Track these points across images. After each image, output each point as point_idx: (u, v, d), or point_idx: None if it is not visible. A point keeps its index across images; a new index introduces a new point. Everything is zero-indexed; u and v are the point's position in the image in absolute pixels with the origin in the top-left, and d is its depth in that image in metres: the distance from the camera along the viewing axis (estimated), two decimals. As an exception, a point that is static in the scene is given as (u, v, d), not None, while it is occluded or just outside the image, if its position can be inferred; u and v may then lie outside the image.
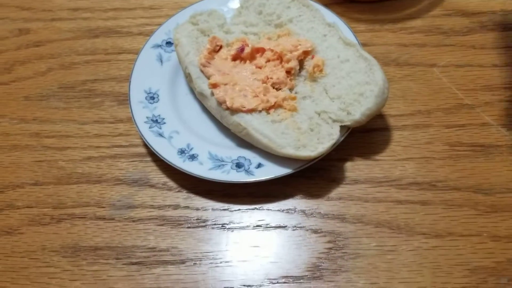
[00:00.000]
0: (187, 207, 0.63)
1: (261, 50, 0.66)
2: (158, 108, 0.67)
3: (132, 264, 0.59)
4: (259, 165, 0.61)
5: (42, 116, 0.72)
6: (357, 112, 0.60)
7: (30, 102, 0.73)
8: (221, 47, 0.67)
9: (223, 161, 0.62)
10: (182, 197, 0.63)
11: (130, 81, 0.68)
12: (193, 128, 0.66)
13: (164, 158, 0.62)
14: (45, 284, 0.58)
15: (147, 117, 0.66)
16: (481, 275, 0.55)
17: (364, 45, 0.71)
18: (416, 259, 0.57)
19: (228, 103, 0.61)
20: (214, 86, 0.63)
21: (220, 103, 0.62)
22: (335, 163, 0.63)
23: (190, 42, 0.67)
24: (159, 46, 0.72)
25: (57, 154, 0.68)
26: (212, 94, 0.63)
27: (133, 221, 0.62)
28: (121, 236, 0.61)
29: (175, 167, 0.62)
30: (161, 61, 0.71)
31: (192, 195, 0.63)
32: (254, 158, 0.62)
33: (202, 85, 0.64)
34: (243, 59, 0.66)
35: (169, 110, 0.67)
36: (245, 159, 0.62)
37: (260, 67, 0.65)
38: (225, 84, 0.63)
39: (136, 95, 0.68)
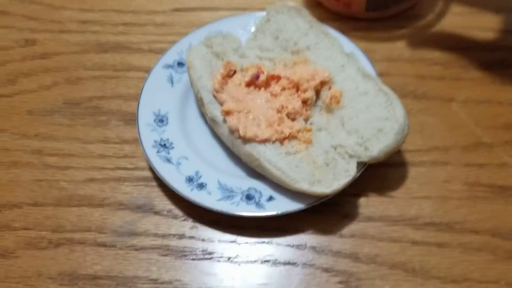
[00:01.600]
0: (192, 238, 0.60)
1: (277, 78, 0.64)
2: (167, 131, 0.64)
3: (133, 295, 0.57)
4: (270, 198, 0.59)
5: (45, 133, 0.69)
6: (375, 149, 0.57)
7: (33, 116, 0.70)
8: (235, 72, 0.65)
9: (232, 191, 0.59)
10: (188, 226, 0.61)
11: (139, 102, 0.66)
12: (202, 154, 0.64)
13: (172, 186, 0.60)
14: (41, 314, 0.56)
15: (155, 140, 0.63)
16: (499, 326, 0.53)
17: (381, 75, 0.69)
18: (431, 305, 0.54)
19: (241, 132, 0.59)
20: (227, 113, 0.61)
21: (232, 131, 0.60)
22: (348, 198, 0.61)
23: (203, 66, 0.65)
24: (171, 66, 0.70)
25: (58, 174, 0.65)
26: (225, 121, 0.61)
27: (136, 249, 0.59)
28: (122, 265, 0.58)
29: (182, 196, 0.59)
30: (172, 82, 0.69)
31: (198, 225, 0.61)
32: (265, 190, 0.59)
33: (214, 111, 0.62)
34: (257, 86, 0.64)
35: (178, 134, 0.65)
36: (256, 190, 0.59)
37: (275, 95, 0.63)
38: (239, 112, 0.60)
39: (145, 117, 0.65)
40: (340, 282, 0.56)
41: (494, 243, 0.57)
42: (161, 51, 0.74)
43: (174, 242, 0.60)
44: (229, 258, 0.58)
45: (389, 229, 0.59)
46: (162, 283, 0.57)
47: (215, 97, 0.63)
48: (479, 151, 0.64)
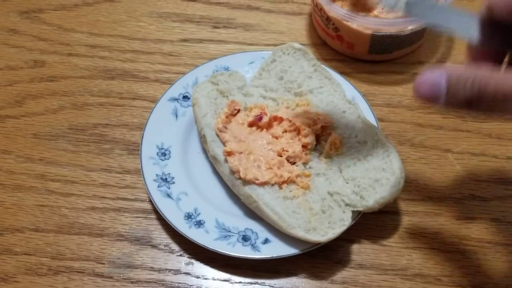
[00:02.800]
0: (188, 274, 0.62)
1: (279, 119, 0.66)
2: (169, 165, 0.66)
3: (127, 329, 0.58)
4: (266, 241, 0.60)
5: (49, 157, 0.70)
6: (371, 199, 0.59)
7: (38, 140, 0.72)
8: (239, 111, 0.66)
9: (229, 231, 0.61)
10: (184, 262, 0.62)
11: (143, 134, 0.67)
12: (202, 190, 0.65)
13: (170, 222, 0.61)
14: None
15: (156, 174, 0.65)
16: None
17: (380, 120, 0.71)
18: None
19: (242, 174, 0.60)
20: (229, 154, 0.62)
21: (233, 171, 0.62)
22: (342, 243, 0.63)
23: (208, 103, 0.66)
24: (176, 99, 0.71)
25: (60, 200, 0.67)
26: (226, 161, 0.63)
27: (132, 282, 0.61)
28: (118, 297, 0.60)
29: (180, 233, 0.61)
30: (176, 116, 0.70)
31: (194, 261, 0.62)
32: (261, 232, 0.61)
33: (216, 149, 0.64)
34: (260, 127, 0.65)
35: (179, 169, 0.66)
36: (252, 232, 0.61)
37: (276, 137, 0.64)
38: (240, 153, 0.62)
39: (148, 150, 0.67)
40: (329, 328, 0.58)
41: (481, 298, 0.59)
42: (167, 82, 0.76)
43: (169, 277, 0.61)
44: (222, 297, 0.60)
45: (379, 278, 0.61)
46: (156, 318, 0.59)
47: (218, 136, 0.64)
48: (472, 204, 0.65)
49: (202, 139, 0.66)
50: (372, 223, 0.64)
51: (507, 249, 0.62)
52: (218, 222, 0.62)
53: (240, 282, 0.61)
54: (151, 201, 0.65)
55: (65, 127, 0.73)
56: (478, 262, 0.62)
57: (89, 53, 0.80)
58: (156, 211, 0.65)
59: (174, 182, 0.65)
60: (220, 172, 0.65)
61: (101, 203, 0.67)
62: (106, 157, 0.70)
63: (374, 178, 0.60)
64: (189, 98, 0.71)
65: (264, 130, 0.65)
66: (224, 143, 0.64)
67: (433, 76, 0.42)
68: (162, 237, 0.64)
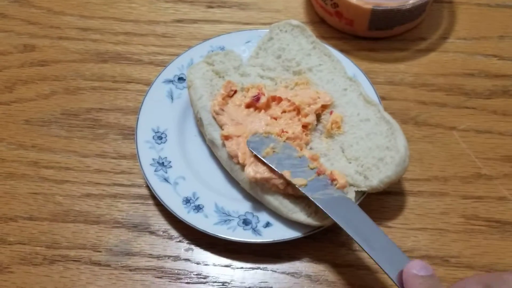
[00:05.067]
0: (187, 260, 0.60)
1: (277, 99, 0.63)
2: (165, 149, 0.64)
3: (126, 318, 0.57)
4: (267, 224, 0.58)
5: (42, 144, 0.68)
6: (375, 179, 0.57)
7: (30, 126, 0.70)
8: (235, 92, 0.64)
9: (229, 215, 0.59)
10: (183, 248, 0.61)
11: (138, 118, 0.65)
12: (200, 174, 0.63)
13: (169, 207, 0.59)
14: (33, 334, 0.56)
15: (153, 158, 0.63)
16: None
17: (382, 98, 0.69)
18: None
19: (240, 159, 0.58)
20: (226, 138, 0.60)
21: (231, 156, 0.59)
22: (345, 225, 0.61)
23: (204, 85, 0.64)
24: (171, 81, 0.69)
25: (54, 188, 0.65)
26: (224, 145, 0.60)
27: (130, 270, 0.59)
28: (116, 285, 0.58)
29: (179, 218, 0.59)
30: (172, 98, 0.68)
31: (193, 247, 0.61)
32: (262, 215, 0.59)
33: (214, 133, 0.62)
34: (258, 108, 0.63)
35: (176, 153, 0.64)
36: (253, 215, 0.59)
37: (275, 118, 0.62)
38: (238, 136, 0.60)
39: (143, 134, 0.65)
40: (334, 313, 0.56)
41: (489, 278, 0.58)
42: (162, 64, 0.73)
43: (169, 264, 0.60)
44: (223, 283, 0.58)
45: (384, 260, 0.59)
46: (156, 306, 0.57)
47: (214, 118, 0.62)
48: (478, 183, 0.64)
49: (199, 122, 0.64)
50: (376, 204, 0.62)
51: (515, 227, 0.61)
52: (217, 206, 0.60)
53: (242, 268, 0.59)
54: (148, 187, 0.63)
55: (58, 113, 0.71)
56: (486, 242, 0.60)
57: (80, 36, 0.78)
58: (153, 197, 0.63)
59: (171, 166, 0.63)
60: (218, 156, 0.63)
61: (96, 190, 0.65)
62: (101, 143, 0.68)
63: (378, 157, 0.58)
64: (184, 80, 0.69)
65: (262, 111, 0.63)
66: (221, 126, 0.62)
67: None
68: (160, 223, 0.62)
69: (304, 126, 0.62)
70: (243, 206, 0.60)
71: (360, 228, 0.53)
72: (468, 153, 0.66)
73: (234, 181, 0.63)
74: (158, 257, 0.60)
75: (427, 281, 0.47)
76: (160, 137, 0.65)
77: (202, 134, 0.66)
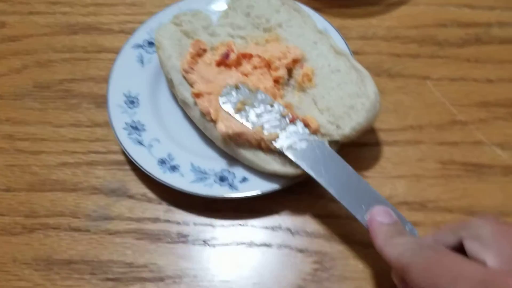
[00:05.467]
0: (167, 221, 0.60)
1: (248, 56, 0.63)
2: (138, 113, 0.64)
3: (108, 280, 0.56)
4: (243, 179, 0.58)
5: (16, 117, 0.68)
6: (347, 127, 0.57)
7: (3, 101, 0.69)
8: (205, 51, 0.63)
9: (205, 173, 0.59)
10: (162, 209, 0.60)
11: (108, 83, 0.65)
12: (174, 136, 0.63)
13: (144, 168, 0.59)
14: (15, 300, 0.55)
15: (126, 122, 0.62)
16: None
17: (355, 53, 0.69)
18: (404, 283, 0.55)
19: (213, 116, 0.58)
20: (197, 95, 0.60)
21: (203, 114, 0.59)
22: (323, 178, 0.61)
23: (173, 45, 0.63)
24: (140, 46, 0.68)
25: (30, 159, 0.64)
26: (196, 103, 0.60)
27: (110, 233, 0.59)
28: (96, 249, 0.58)
29: (154, 178, 0.59)
30: (142, 63, 0.67)
31: (173, 208, 0.60)
32: (238, 171, 0.59)
33: (185, 92, 0.61)
34: (228, 65, 0.63)
35: (149, 116, 0.64)
36: (229, 172, 0.59)
37: (246, 75, 0.62)
38: (209, 94, 0.60)
39: (115, 99, 0.64)
40: (315, 262, 0.56)
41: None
42: (132, 32, 0.73)
43: (149, 226, 0.59)
44: (204, 241, 0.58)
45: (363, 209, 0.59)
46: (137, 267, 0.57)
47: (185, 78, 0.62)
48: (453, 129, 0.64)
49: (170, 84, 0.64)
50: (353, 156, 0.62)
51: (491, 170, 0.61)
52: (193, 166, 0.60)
53: (222, 225, 0.59)
54: (124, 153, 0.63)
55: (30, 86, 0.70)
56: (463, 186, 0.60)
57: (50, 10, 0.77)
58: (130, 162, 0.63)
59: (145, 130, 0.62)
60: (192, 116, 0.62)
61: (72, 158, 0.64)
62: (74, 112, 0.68)
63: (348, 105, 0.58)
64: (154, 44, 0.68)
65: (234, 68, 0.63)
66: (191, 85, 0.61)
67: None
68: (138, 187, 0.62)
69: (276, 81, 0.61)
70: (218, 164, 0.60)
71: (335, 174, 0.53)
72: (442, 101, 0.66)
73: (208, 141, 0.62)
74: (138, 220, 0.60)
75: (391, 228, 0.48)
76: (132, 102, 0.64)
77: (174, 97, 0.65)
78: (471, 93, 0.66)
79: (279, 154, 0.57)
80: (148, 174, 0.59)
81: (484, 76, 0.68)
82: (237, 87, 0.59)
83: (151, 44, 0.68)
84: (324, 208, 0.59)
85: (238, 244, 0.58)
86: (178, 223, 0.59)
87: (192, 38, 0.65)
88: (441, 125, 0.64)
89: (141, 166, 0.59)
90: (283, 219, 0.59)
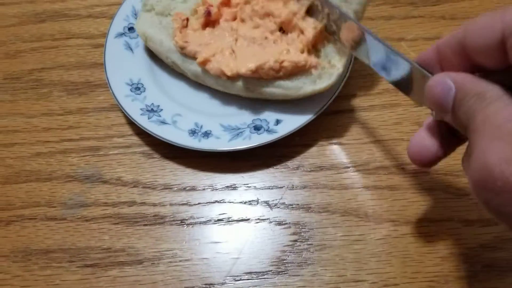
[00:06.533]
0: (143, 203, 0.59)
1: (226, 3, 0.62)
2: (148, 97, 0.62)
3: (87, 266, 0.56)
4: (277, 122, 0.58)
5: (-14, 111, 0.67)
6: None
7: (-27, 95, 0.68)
8: (187, 20, 0.62)
9: (239, 128, 0.59)
10: (138, 192, 0.60)
11: (108, 79, 0.63)
12: (191, 106, 0.62)
13: (178, 143, 0.58)
14: (-6, 293, 0.55)
15: (141, 109, 0.61)
16: (453, 263, 0.52)
17: (328, 20, 0.67)
18: (385, 248, 0.54)
19: (228, 72, 0.57)
20: (204, 63, 0.59)
21: (219, 76, 0.59)
22: (298, 149, 0.60)
23: (157, 31, 0.62)
24: (122, 34, 0.67)
25: (3, 151, 0.64)
26: (206, 71, 0.60)
27: (86, 220, 0.58)
28: (74, 237, 0.57)
29: (192, 149, 0.58)
30: (131, 49, 0.66)
31: (148, 190, 0.60)
32: (268, 116, 0.59)
33: (192, 67, 0.61)
34: (215, 21, 0.61)
35: (160, 96, 0.63)
36: (261, 120, 0.59)
37: (242, 20, 0.60)
38: (214, 55, 0.59)
39: (120, 91, 0.62)
40: (294, 234, 0.55)
41: (446, 181, 0.57)
42: (100, 15, 0.72)
43: (125, 210, 0.59)
44: (181, 221, 0.57)
45: (340, 177, 0.58)
46: (115, 251, 0.56)
47: (184, 54, 0.61)
48: (430, 89, 0.62)
49: (175, 67, 0.63)
50: (328, 124, 0.61)
51: (470, 128, 0.59)
52: (223, 126, 0.60)
53: (199, 204, 0.58)
54: (97, 138, 0.62)
55: (0, 78, 0.69)
56: (441, 145, 0.59)
57: (16, 0, 0.76)
58: (103, 147, 0.62)
59: (162, 109, 0.61)
60: (210, 85, 0.62)
61: (45, 148, 0.63)
62: (46, 101, 0.67)
63: None
64: (134, 30, 0.67)
65: (223, 21, 0.61)
66: (193, 57, 0.60)
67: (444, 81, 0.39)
68: (112, 172, 0.61)
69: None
70: (246, 117, 0.60)
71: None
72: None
73: (226, 100, 0.62)
74: (114, 205, 0.59)
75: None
76: (137, 88, 0.63)
77: (177, 72, 0.65)
78: (447, 51, 0.64)
79: (303, 74, 0.57)
80: (185, 147, 0.58)
81: (459, 33, 0.66)
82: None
83: (131, 29, 0.67)
84: (301, 179, 0.58)
85: (215, 221, 0.57)
86: (154, 205, 0.59)
87: (170, 14, 0.64)
88: (418, 86, 0.63)
89: (175, 142, 0.58)
90: (260, 193, 0.58)
